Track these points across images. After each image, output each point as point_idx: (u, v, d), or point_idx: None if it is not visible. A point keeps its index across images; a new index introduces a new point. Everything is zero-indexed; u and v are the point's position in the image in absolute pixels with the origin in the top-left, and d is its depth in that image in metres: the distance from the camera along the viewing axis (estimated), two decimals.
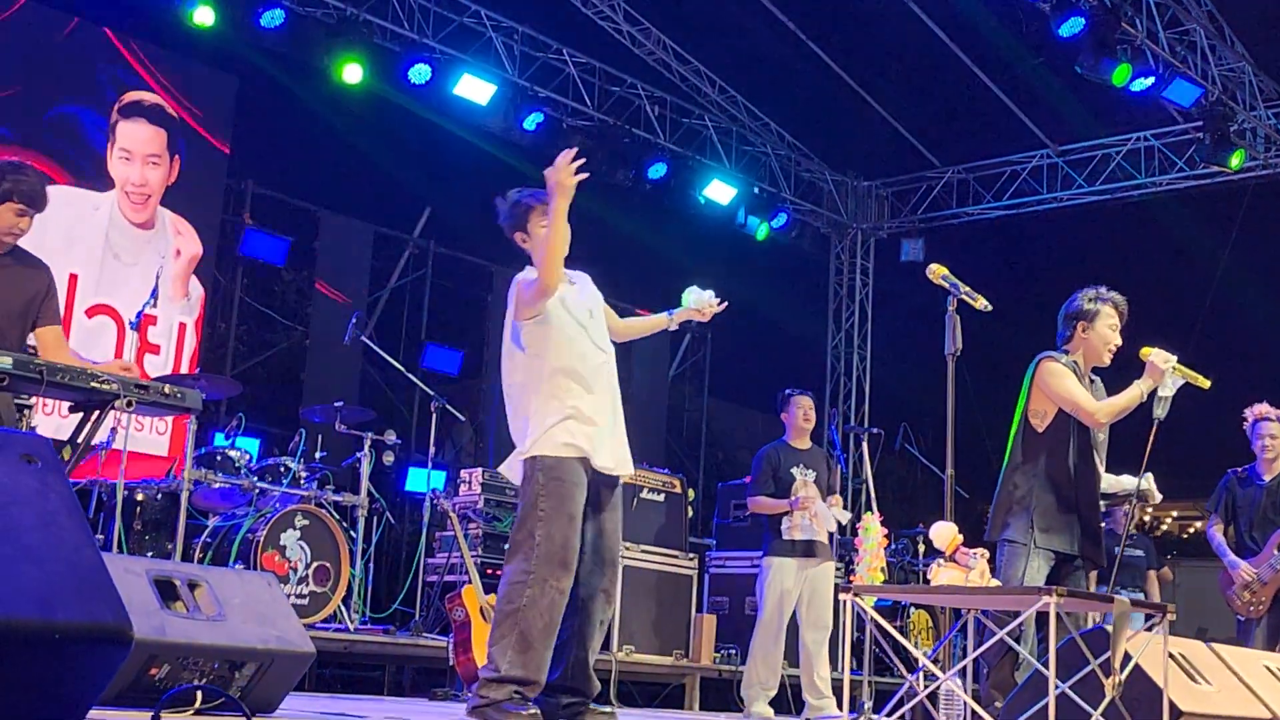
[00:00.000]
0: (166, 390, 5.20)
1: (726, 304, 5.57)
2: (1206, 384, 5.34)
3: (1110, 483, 5.70)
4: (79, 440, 5.17)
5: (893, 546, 9.91)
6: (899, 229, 14.29)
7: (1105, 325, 5.57)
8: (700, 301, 5.63)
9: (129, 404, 5.04)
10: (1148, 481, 5.79)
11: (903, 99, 12.63)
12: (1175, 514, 24.71)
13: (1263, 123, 11.50)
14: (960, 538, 4.51)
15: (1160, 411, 5.28)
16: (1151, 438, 5.36)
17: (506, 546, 5.00)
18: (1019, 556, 5.34)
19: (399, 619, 8.57)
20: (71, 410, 5.12)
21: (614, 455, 5.03)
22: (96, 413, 5.09)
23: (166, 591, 4.22)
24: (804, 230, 13.85)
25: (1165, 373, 5.28)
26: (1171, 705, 4.20)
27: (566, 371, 5.01)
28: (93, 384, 4.88)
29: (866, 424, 13.27)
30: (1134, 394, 5.36)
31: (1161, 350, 5.39)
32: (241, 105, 10.49)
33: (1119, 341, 5.60)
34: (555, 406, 4.94)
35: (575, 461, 4.88)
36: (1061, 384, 5.43)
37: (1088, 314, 5.60)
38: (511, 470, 5.08)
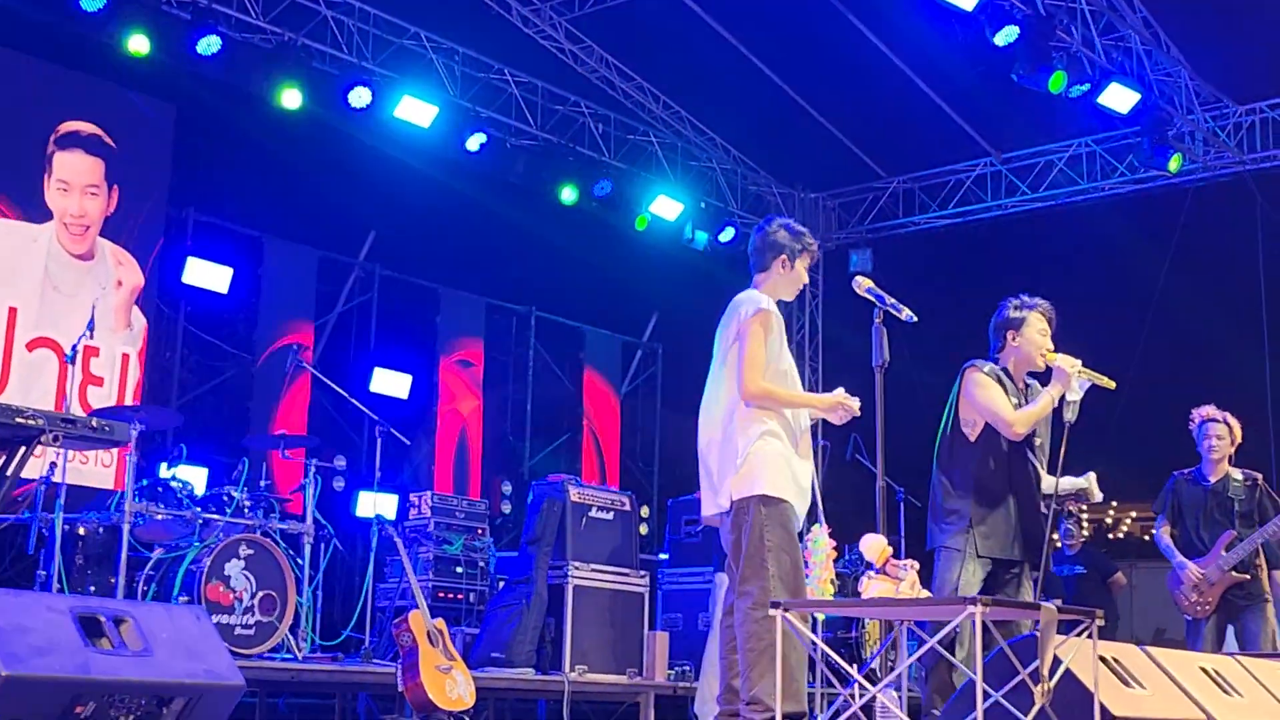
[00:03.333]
0: (95, 424, 5.17)
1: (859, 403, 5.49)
2: (1112, 385, 5.43)
3: (1051, 484, 5.73)
4: (7, 474, 5.14)
5: (844, 558, 9.90)
6: (846, 240, 14.34)
7: (1034, 331, 5.65)
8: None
9: (55, 439, 5.01)
10: (1089, 480, 5.84)
11: (846, 110, 12.67)
12: (1134, 515, 24.85)
13: (1199, 126, 11.61)
14: (890, 549, 4.51)
15: (1070, 415, 5.36)
16: (1064, 441, 5.42)
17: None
18: (954, 562, 5.38)
19: (351, 646, 8.51)
20: None
21: None
22: (23, 448, 5.05)
23: (91, 628, 4.17)
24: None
25: (1072, 377, 5.35)
26: (1103, 709, 4.21)
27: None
28: (18, 419, 4.84)
29: (819, 435, 13.27)
30: (1046, 401, 5.43)
31: (1067, 355, 5.47)
32: (180, 133, 10.41)
33: (1050, 345, 5.66)
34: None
35: None
36: (984, 393, 5.48)
37: (1015, 322, 5.68)
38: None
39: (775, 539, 5.00)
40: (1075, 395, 5.39)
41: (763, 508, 5.03)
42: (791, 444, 5.23)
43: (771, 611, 4.18)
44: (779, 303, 5.44)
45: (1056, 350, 5.61)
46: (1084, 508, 5.84)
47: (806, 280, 5.48)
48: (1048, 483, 5.72)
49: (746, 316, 5.20)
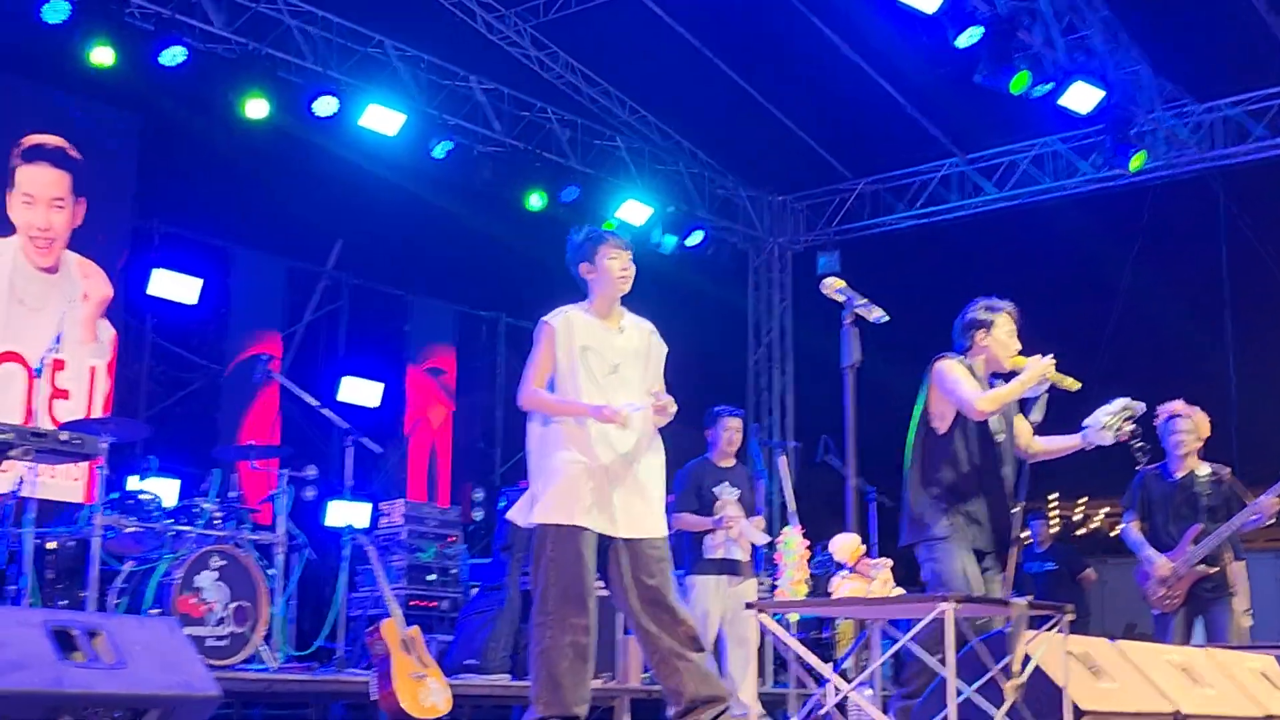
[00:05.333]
0: (64, 437, 5.18)
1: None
2: (1076, 386, 5.45)
3: (1056, 445, 5.70)
4: None
5: (816, 558, 9.94)
6: (814, 242, 14.39)
7: (1003, 332, 5.70)
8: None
9: (25, 453, 5.00)
10: (1121, 403, 5.65)
11: (812, 113, 12.74)
12: (1105, 511, 24.98)
13: (1162, 124, 11.71)
14: (862, 548, 4.54)
15: (1037, 415, 5.38)
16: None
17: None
18: (952, 554, 5.39)
19: (324, 655, 8.49)
20: None
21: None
22: None
23: (64, 642, 4.14)
24: (720, 247, 13.88)
25: (1045, 371, 5.38)
26: (1074, 704, 4.25)
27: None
28: None
29: (790, 437, 13.33)
30: (1014, 387, 5.45)
31: (1037, 356, 5.51)
32: (146, 144, 10.37)
33: (1018, 346, 5.71)
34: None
35: None
36: (951, 377, 5.53)
37: (985, 322, 5.72)
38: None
39: (549, 556, 5.07)
40: (1036, 391, 5.45)
41: (548, 530, 5.11)
42: (591, 457, 5.20)
43: (746, 612, 4.20)
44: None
45: (1022, 353, 5.66)
46: (1137, 430, 5.60)
47: (621, 268, 5.46)
48: (1053, 443, 5.69)
49: (537, 329, 5.39)
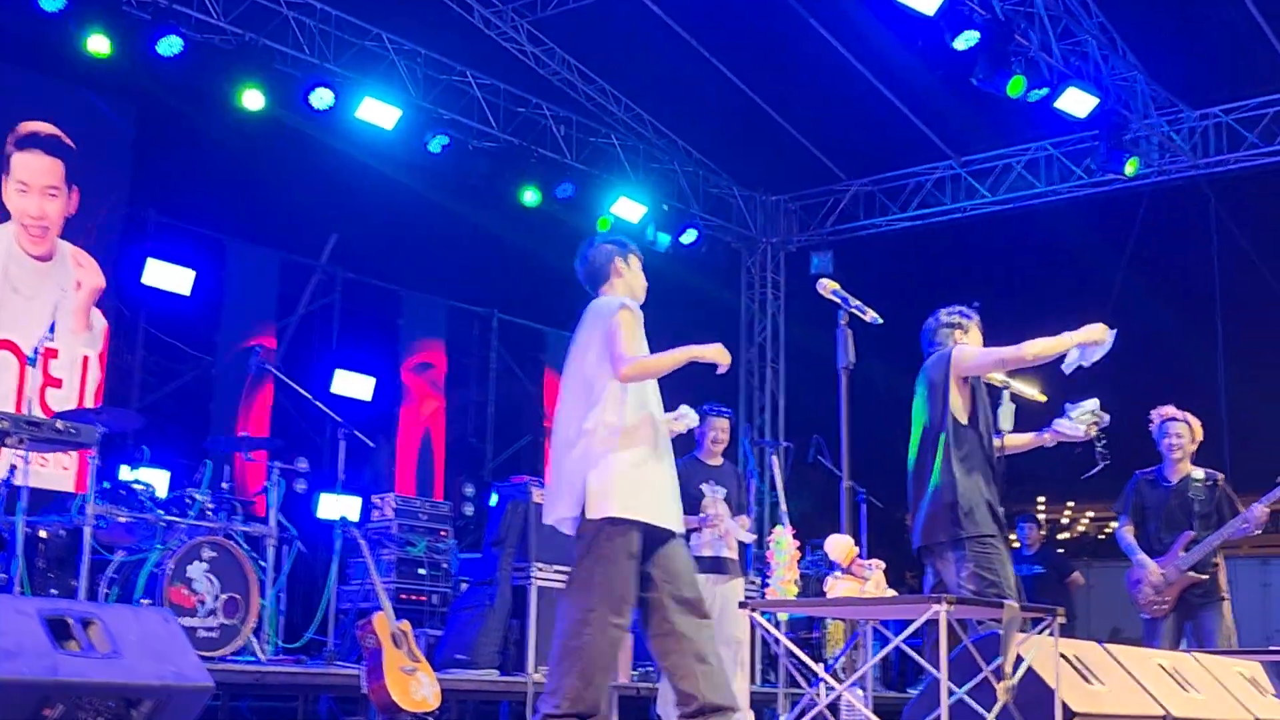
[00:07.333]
0: (60, 426, 5.18)
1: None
2: (1043, 398, 5.54)
3: (1019, 440, 5.79)
4: None
5: (807, 559, 9.97)
6: (808, 242, 14.42)
7: (976, 337, 5.76)
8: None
9: (20, 441, 5.00)
10: (1085, 410, 5.73)
11: (807, 114, 12.76)
12: (1091, 515, 25.10)
13: (1155, 130, 11.75)
14: (856, 549, 4.56)
15: (1007, 424, 5.45)
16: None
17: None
18: (1004, 555, 5.43)
19: (314, 648, 8.50)
20: None
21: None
22: None
23: (59, 631, 4.17)
24: (714, 246, 13.91)
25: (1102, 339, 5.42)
26: (1064, 706, 4.27)
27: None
28: None
29: (781, 437, 13.37)
30: (1058, 344, 5.45)
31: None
32: (141, 134, 10.36)
33: None
34: None
35: None
36: (970, 351, 5.57)
37: (963, 325, 5.79)
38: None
39: (609, 555, 5.11)
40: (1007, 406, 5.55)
41: (608, 528, 5.11)
42: (656, 453, 5.28)
43: (740, 610, 4.22)
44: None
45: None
46: (1102, 436, 5.68)
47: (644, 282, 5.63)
48: (1021, 440, 5.78)
49: (611, 314, 5.32)
